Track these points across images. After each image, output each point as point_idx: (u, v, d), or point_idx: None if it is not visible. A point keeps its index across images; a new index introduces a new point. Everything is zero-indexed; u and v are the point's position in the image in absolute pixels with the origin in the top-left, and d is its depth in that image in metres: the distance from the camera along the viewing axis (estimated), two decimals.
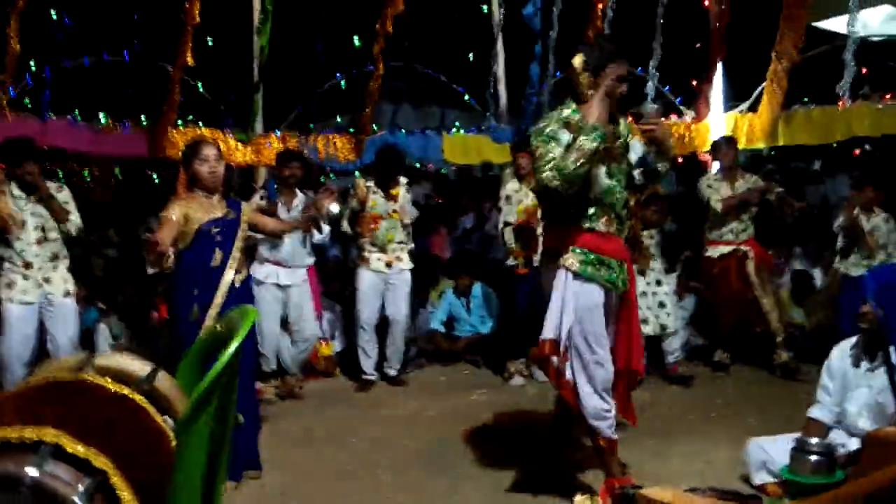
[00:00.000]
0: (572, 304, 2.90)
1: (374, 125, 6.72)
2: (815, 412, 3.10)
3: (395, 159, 5.34)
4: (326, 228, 5.02)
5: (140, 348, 5.31)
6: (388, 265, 5.15)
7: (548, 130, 2.86)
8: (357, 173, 6.88)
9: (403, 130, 6.85)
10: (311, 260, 5.08)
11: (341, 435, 4.22)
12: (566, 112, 2.91)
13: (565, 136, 2.82)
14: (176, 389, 1.92)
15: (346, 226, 5.19)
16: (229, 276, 3.41)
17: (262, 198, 4.81)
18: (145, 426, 1.70)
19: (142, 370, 1.91)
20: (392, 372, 5.34)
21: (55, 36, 5.25)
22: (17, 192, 4.26)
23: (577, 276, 2.90)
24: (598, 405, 2.95)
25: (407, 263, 5.24)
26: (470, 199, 9.22)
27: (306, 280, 4.98)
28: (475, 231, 8.59)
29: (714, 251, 5.29)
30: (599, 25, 6.51)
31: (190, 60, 5.34)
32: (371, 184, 5.20)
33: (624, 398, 3.18)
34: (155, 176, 10.31)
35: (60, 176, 8.28)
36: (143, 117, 5.68)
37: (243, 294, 3.47)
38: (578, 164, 2.74)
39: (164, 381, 1.91)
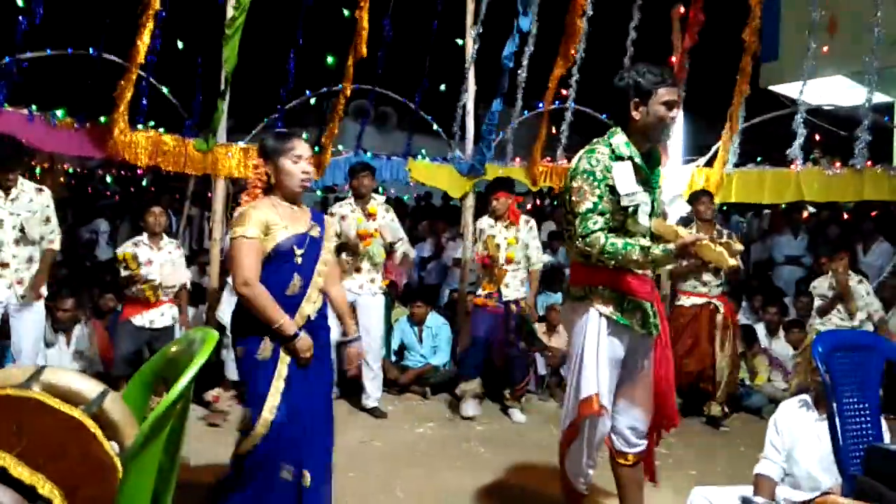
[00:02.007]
0: (604, 350, 2.72)
1: (338, 146, 6.67)
2: (762, 468, 3.16)
3: (367, 170, 5.27)
4: None
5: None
6: (361, 287, 5.09)
7: (591, 190, 2.63)
8: (320, 193, 6.85)
9: (368, 153, 6.81)
10: None
11: None
12: (605, 150, 2.68)
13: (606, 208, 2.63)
14: (125, 414, 1.84)
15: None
16: (307, 309, 2.76)
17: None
18: (93, 453, 1.62)
19: (91, 390, 1.82)
20: (371, 403, 5.21)
21: (18, 25, 5.06)
22: None
23: (608, 320, 2.73)
24: (585, 461, 2.86)
25: (379, 286, 5.20)
26: (428, 227, 9.23)
27: None
28: (432, 260, 8.59)
29: (686, 300, 5.37)
30: (564, 71, 6.65)
31: (142, 58, 5.19)
32: (350, 201, 5.16)
33: (651, 453, 3.04)
34: (109, 178, 10.01)
35: None
36: (102, 117, 5.49)
37: (322, 326, 2.85)
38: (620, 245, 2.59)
39: (113, 404, 1.83)
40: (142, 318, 4.85)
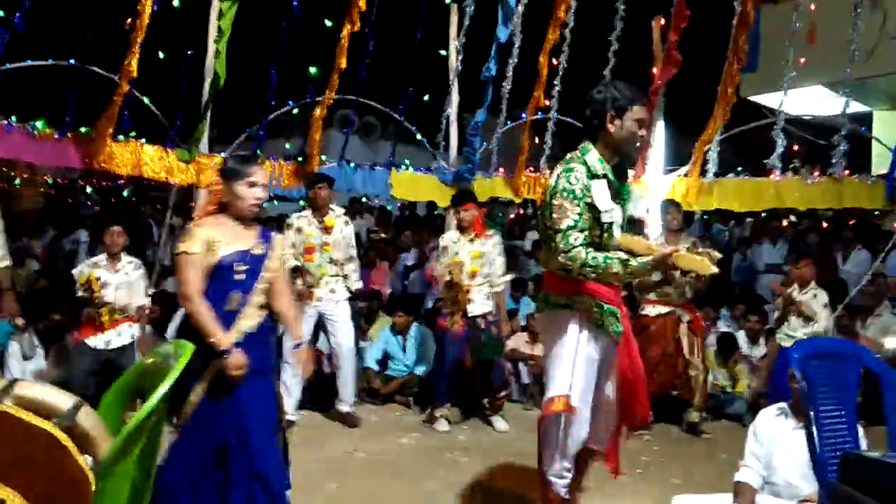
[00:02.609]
0: (582, 355, 2.84)
1: (322, 156, 6.68)
2: (742, 476, 3.17)
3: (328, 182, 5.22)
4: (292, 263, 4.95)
5: (58, 371, 5.06)
6: (321, 299, 5.06)
7: (572, 208, 2.73)
8: (302, 202, 6.81)
9: (351, 163, 6.82)
10: None
11: None
12: (581, 168, 2.78)
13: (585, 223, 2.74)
14: (99, 427, 1.82)
15: (291, 261, 4.98)
16: (243, 323, 2.84)
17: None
18: (66, 466, 1.60)
19: (64, 403, 1.81)
20: (344, 408, 5.18)
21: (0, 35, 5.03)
22: None
23: (587, 327, 2.85)
24: (564, 465, 2.94)
25: (342, 294, 5.14)
26: (412, 236, 9.23)
27: None
28: (416, 269, 8.58)
29: (651, 309, 5.40)
30: (542, 87, 6.71)
31: (134, 72, 5.19)
32: (307, 213, 5.14)
33: (616, 445, 3.19)
34: (90, 188, 9.94)
35: None
36: (83, 128, 5.46)
37: (261, 342, 2.90)
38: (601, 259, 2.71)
39: (86, 417, 1.81)
40: (96, 340, 4.76)
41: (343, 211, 5.32)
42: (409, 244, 9.07)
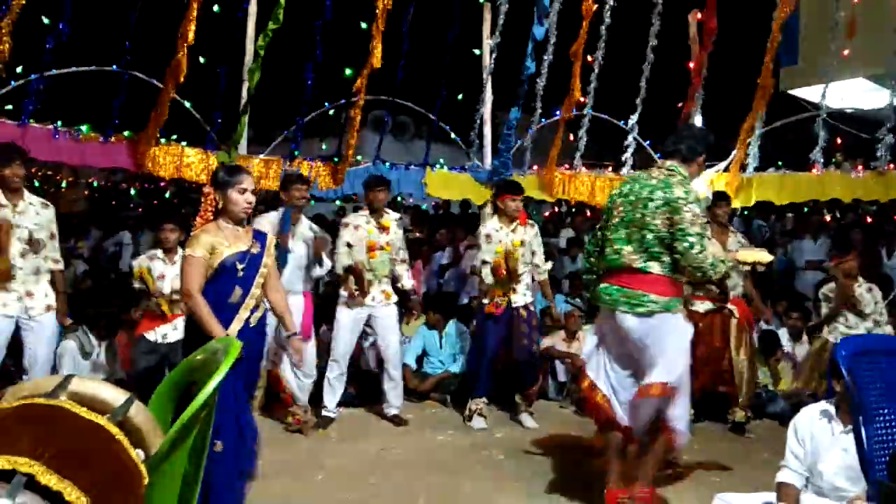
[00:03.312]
0: (688, 347, 3.42)
1: (357, 156, 6.74)
2: (784, 477, 3.11)
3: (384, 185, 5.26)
4: (328, 263, 5.00)
5: (111, 365, 5.21)
6: (374, 299, 5.11)
7: (700, 223, 3.30)
8: (339, 202, 6.92)
9: (387, 163, 6.87)
10: (307, 286, 5.02)
11: (306, 470, 4.14)
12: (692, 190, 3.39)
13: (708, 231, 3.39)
14: (150, 421, 1.87)
15: (343, 259, 5.07)
16: (245, 314, 3.21)
17: (278, 232, 4.71)
18: (119, 460, 1.64)
19: (116, 399, 1.86)
20: (392, 411, 5.24)
21: (46, 42, 5.18)
22: (2, 201, 4.14)
23: (686, 322, 3.46)
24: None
25: (393, 297, 5.21)
26: (447, 234, 9.25)
27: (303, 307, 4.89)
28: (450, 267, 8.60)
29: (700, 305, 5.31)
30: (578, 83, 6.66)
31: (181, 76, 5.33)
32: (366, 213, 5.20)
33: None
34: (133, 190, 10.18)
35: (37, 185, 8.15)
36: (126, 132, 5.61)
37: (258, 332, 3.31)
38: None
39: (138, 412, 1.86)
40: (154, 334, 4.91)
41: (398, 215, 5.38)
42: (443, 243, 9.09)
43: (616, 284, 3.41)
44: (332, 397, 5.13)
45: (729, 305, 5.24)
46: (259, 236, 3.37)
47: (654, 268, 3.34)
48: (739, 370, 5.17)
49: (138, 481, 1.67)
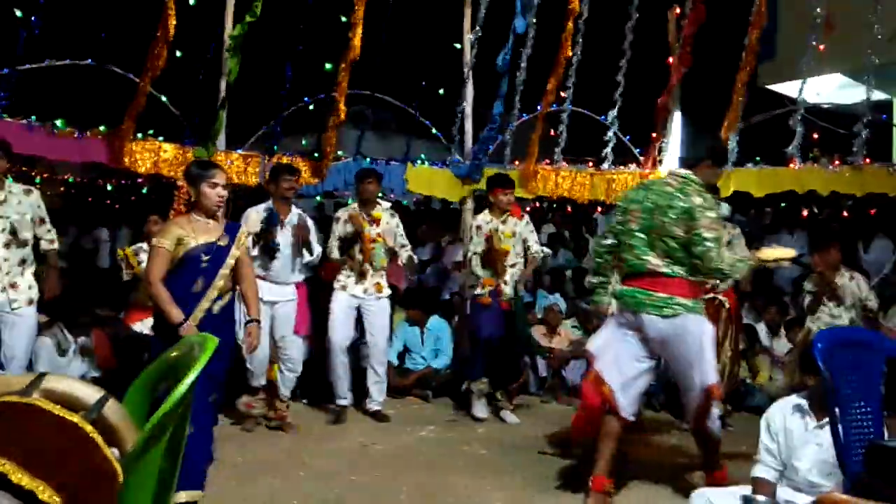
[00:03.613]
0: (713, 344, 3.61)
1: (338, 151, 6.69)
2: (759, 472, 3.13)
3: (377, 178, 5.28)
4: (317, 250, 4.97)
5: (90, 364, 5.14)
6: (366, 291, 5.10)
7: (717, 228, 3.51)
8: (319, 198, 6.86)
9: (367, 158, 6.83)
10: (299, 277, 5.00)
11: (286, 467, 4.12)
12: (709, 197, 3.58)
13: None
14: (125, 419, 1.84)
15: (335, 253, 5.11)
16: (205, 304, 3.35)
17: (262, 221, 4.70)
18: (93, 459, 1.62)
19: (90, 396, 1.83)
20: (374, 407, 5.23)
21: (18, 35, 5.09)
22: None
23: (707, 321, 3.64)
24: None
25: (386, 290, 5.21)
26: (427, 230, 9.23)
27: (294, 298, 4.88)
28: (431, 263, 8.58)
29: None
30: (560, 73, 6.67)
31: (158, 70, 5.26)
32: (355, 207, 5.20)
33: None
34: (109, 186, 10.05)
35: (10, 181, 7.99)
36: (102, 127, 5.52)
37: (224, 320, 3.42)
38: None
39: (112, 410, 1.83)
40: (141, 325, 4.85)
41: (389, 205, 5.38)
42: (424, 239, 9.06)
43: (641, 288, 3.57)
44: (342, 386, 5.14)
45: (720, 297, 5.28)
46: (230, 229, 3.50)
47: (679, 272, 3.53)
48: (723, 361, 5.21)
49: (113, 480, 1.65)
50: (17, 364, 4.17)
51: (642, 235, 3.58)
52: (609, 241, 3.84)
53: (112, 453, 1.71)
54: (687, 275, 3.54)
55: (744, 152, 6.74)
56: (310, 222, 5.01)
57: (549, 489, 3.89)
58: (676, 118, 6.80)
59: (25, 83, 5.26)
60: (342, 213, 5.24)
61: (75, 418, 1.66)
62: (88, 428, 1.66)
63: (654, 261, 3.55)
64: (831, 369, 2.92)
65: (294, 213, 4.92)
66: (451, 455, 4.46)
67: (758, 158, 6.87)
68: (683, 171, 3.65)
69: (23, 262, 4.21)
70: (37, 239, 4.31)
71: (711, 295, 5.26)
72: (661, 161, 6.87)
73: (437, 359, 5.99)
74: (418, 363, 6.01)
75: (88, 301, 5.43)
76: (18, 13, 5.13)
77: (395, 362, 6.00)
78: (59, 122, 5.37)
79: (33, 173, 9.28)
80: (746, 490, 3.13)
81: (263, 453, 4.32)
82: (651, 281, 3.54)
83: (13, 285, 4.15)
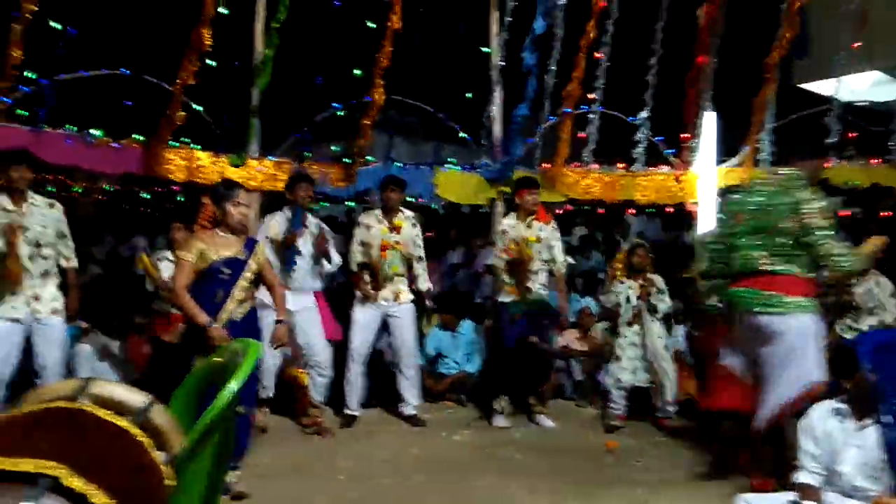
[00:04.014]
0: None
1: (367, 156, 6.73)
2: (804, 478, 3.07)
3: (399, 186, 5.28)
4: (337, 259, 5.00)
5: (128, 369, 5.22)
6: (386, 299, 5.11)
7: (828, 219, 3.56)
8: (350, 203, 6.91)
9: (397, 163, 6.85)
10: (318, 285, 5.03)
11: (322, 470, 4.14)
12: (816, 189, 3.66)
13: None
14: (171, 423, 1.86)
15: (357, 258, 5.13)
16: (227, 312, 3.58)
17: (287, 231, 4.73)
18: (142, 462, 1.64)
19: (136, 401, 1.85)
20: (409, 411, 5.23)
21: (56, 47, 5.21)
22: (8, 206, 4.13)
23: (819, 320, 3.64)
24: None
25: (408, 296, 5.21)
26: (458, 234, 9.22)
27: (314, 305, 4.91)
28: (463, 267, 8.58)
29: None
30: (580, 74, 6.62)
31: (191, 79, 5.35)
32: (377, 213, 5.20)
33: None
34: (145, 194, 10.22)
35: (52, 190, 8.20)
36: (138, 136, 5.63)
37: (246, 326, 3.60)
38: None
39: (158, 414, 1.86)
40: (170, 335, 4.87)
41: (412, 213, 5.37)
42: (454, 243, 9.06)
43: (751, 287, 3.64)
44: (353, 396, 5.15)
45: None
46: (249, 244, 3.76)
47: (789, 269, 3.59)
48: None
49: (161, 483, 1.67)
50: (51, 373, 4.19)
51: (751, 236, 3.66)
52: (717, 246, 3.91)
53: (160, 457, 1.74)
54: (800, 272, 3.58)
55: (781, 152, 6.63)
56: (328, 231, 5.05)
57: (584, 494, 3.86)
58: (709, 118, 6.70)
59: (62, 94, 5.38)
60: (364, 219, 5.25)
61: (124, 423, 1.68)
62: (137, 432, 1.69)
63: (764, 260, 3.61)
64: (876, 371, 2.87)
65: (312, 223, 4.95)
66: (485, 459, 4.44)
67: (794, 158, 6.74)
68: (787, 168, 3.78)
69: (45, 273, 4.23)
70: (58, 252, 4.33)
71: None
72: (692, 161, 6.78)
73: (470, 363, 5.97)
74: (451, 367, 5.99)
75: (125, 308, 5.51)
76: (56, 25, 5.24)
77: (428, 367, 5.99)
78: (96, 132, 5.47)
79: (71, 183, 9.46)
80: (790, 497, 3.07)
81: (297, 455, 4.35)
82: (762, 280, 3.61)
83: (36, 297, 4.18)
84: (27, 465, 1.49)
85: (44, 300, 4.21)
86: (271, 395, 4.93)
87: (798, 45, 7.09)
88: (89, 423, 1.65)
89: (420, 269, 5.28)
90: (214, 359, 2.05)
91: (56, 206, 4.35)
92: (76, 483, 1.52)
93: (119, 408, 1.79)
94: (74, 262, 4.43)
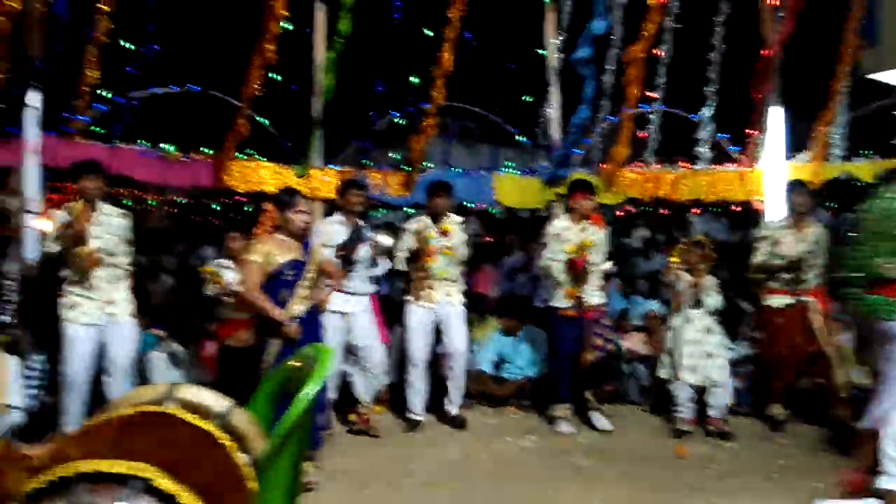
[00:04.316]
0: None
1: (426, 163, 6.79)
2: (887, 483, 2.93)
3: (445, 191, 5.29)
4: (385, 263, 5.06)
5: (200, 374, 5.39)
6: (437, 301, 5.15)
7: None
8: (408, 210, 6.97)
9: (455, 169, 6.89)
10: (373, 288, 5.10)
11: (393, 475, 4.17)
12: None
13: None
14: (252, 426, 1.92)
15: (401, 264, 5.20)
16: (291, 310, 3.83)
17: (348, 238, 4.82)
18: (227, 464, 1.70)
19: (219, 404, 1.92)
20: (453, 410, 5.25)
21: (128, 66, 5.45)
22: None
23: None
24: None
25: (458, 299, 5.23)
26: (516, 238, 9.19)
27: (369, 308, 4.99)
28: (522, 271, 8.54)
29: (775, 300, 5.11)
30: (639, 73, 6.50)
31: (256, 94, 5.53)
32: (426, 219, 5.25)
33: None
34: (213, 205, 10.56)
35: (128, 203, 8.54)
36: (207, 149, 5.83)
37: (311, 323, 3.91)
38: None
39: (240, 417, 1.92)
40: (234, 340, 4.96)
41: (461, 219, 5.40)
42: (513, 246, 9.03)
43: (877, 294, 3.62)
44: (416, 400, 5.17)
45: (808, 298, 5.02)
46: (307, 246, 4.02)
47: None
48: (832, 364, 4.93)
49: (244, 484, 1.72)
50: (122, 372, 4.37)
51: (873, 242, 3.64)
52: (859, 253, 3.82)
53: (243, 458, 1.79)
54: None
55: (854, 145, 6.39)
56: (381, 238, 5.10)
57: (657, 501, 3.78)
58: (776, 112, 6.50)
59: (136, 111, 5.62)
60: (411, 225, 5.29)
61: (209, 426, 1.74)
62: (221, 434, 1.74)
63: (885, 266, 3.59)
64: None
65: (365, 232, 5.01)
66: (554, 465, 4.39)
67: (868, 152, 6.49)
68: None
69: (116, 278, 4.43)
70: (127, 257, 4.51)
71: (796, 298, 5.01)
72: (759, 157, 6.59)
73: (533, 367, 5.93)
74: (514, 373, 5.96)
75: (197, 315, 5.68)
76: (129, 46, 5.48)
77: (491, 371, 5.98)
78: (167, 147, 5.70)
79: (145, 195, 9.85)
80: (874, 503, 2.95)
81: (368, 460, 4.39)
82: (886, 286, 3.58)
83: (109, 301, 4.37)
84: (120, 466, 1.56)
85: (118, 302, 4.41)
86: (335, 396, 4.98)
87: (868, 31, 6.81)
88: (177, 427, 1.71)
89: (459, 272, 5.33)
90: (289, 363, 2.10)
91: (127, 217, 4.55)
92: (166, 484, 1.58)
93: (203, 411, 1.86)
94: (131, 270, 4.59)
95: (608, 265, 5.30)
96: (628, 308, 6.73)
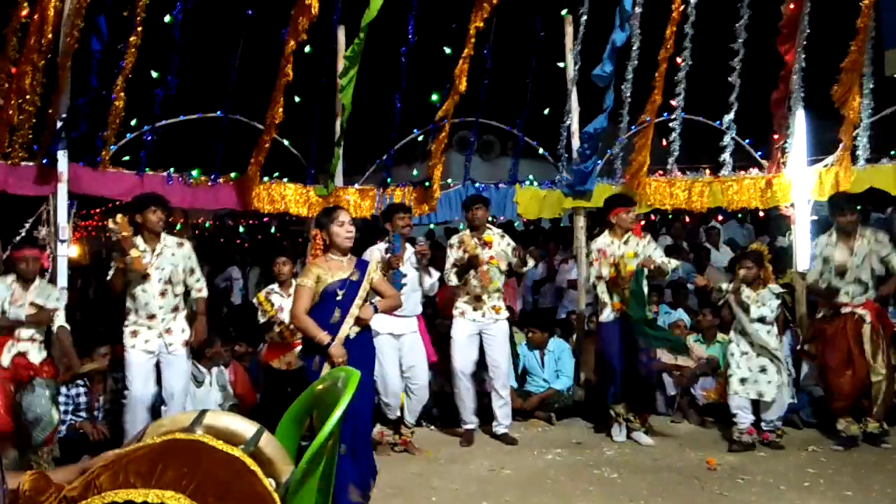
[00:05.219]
0: None
1: (447, 179, 6.82)
2: None
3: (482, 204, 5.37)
4: (434, 274, 5.10)
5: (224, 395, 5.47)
6: (484, 315, 5.19)
7: None
8: (433, 226, 6.97)
9: (477, 183, 6.91)
10: (419, 310, 5.16)
11: (418, 491, 4.19)
12: None
13: None
14: (279, 451, 1.95)
15: (452, 279, 5.23)
16: (344, 331, 3.80)
17: (386, 251, 4.88)
18: (254, 490, 1.73)
19: (246, 430, 1.95)
20: (501, 430, 5.26)
21: (155, 94, 5.57)
22: (141, 245, 4.48)
23: None
24: None
25: (504, 312, 5.28)
26: (538, 249, 9.17)
27: (417, 329, 5.04)
28: (545, 283, 8.53)
29: (829, 311, 5.08)
30: (660, 82, 6.46)
31: (279, 116, 5.63)
32: (467, 232, 5.32)
33: None
34: (238, 227, 10.70)
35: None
36: (232, 173, 5.94)
37: (363, 344, 3.90)
38: None
39: (267, 442, 1.95)
40: (279, 362, 5.17)
41: (499, 230, 5.45)
42: (536, 258, 9.01)
43: None
44: (466, 410, 5.23)
45: (860, 310, 4.94)
46: (360, 265, 3.95)
47: None
48: (876, 380, 4.84)
49: None
50: (178, 400, 4.55)
51: None
52: None
53: (270, 484, 1.83)
54: None
55: (880, 147, 6.28)
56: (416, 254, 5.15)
57: None
58: (800, 116, 6.42)
59: (162, 138, 5.74)
60: (455, 240, 5.36)
61: (236, 452, 1.79)
62: (248, 461, 1.78)
63: None
64: None
65: (409, 250, 5.06)
66: (581, 479, 4.37)
67: (893, 153, 6.38)
68: None
69: (175, 308, 4.61)
70: (187, 288, 4.69)
71: (850, 309, 4.94)
72: (784, 163, 6.52)
73: (558, 380, 5.91)
74: (540, 385, 5.96)
75: (224, 337, 5.77)
76: (155, 74, 5.60)
77: (514, 385, 5.97)
78: (194, 172, 5.81)
79: (171, 220, 10.02)
80: None
81: (395, 477, 4.42)
82: None
83: (168, 331, 4.54)
84: (153, 496, 1.60)
85: (175, 333, 4.58)
86: (398, 414, 5.02)
87: (889, 33, 6.72)
88: (205, 454, 1.75)
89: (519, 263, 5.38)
90: (317, 386, 2.13)
91: (186, 245, 4.72)
92: None
93: (230, 437, 1.90)
94: (205, 293, 4.79)
95: (667, 261, 5.19)
96: (655, 318, 6.67)
